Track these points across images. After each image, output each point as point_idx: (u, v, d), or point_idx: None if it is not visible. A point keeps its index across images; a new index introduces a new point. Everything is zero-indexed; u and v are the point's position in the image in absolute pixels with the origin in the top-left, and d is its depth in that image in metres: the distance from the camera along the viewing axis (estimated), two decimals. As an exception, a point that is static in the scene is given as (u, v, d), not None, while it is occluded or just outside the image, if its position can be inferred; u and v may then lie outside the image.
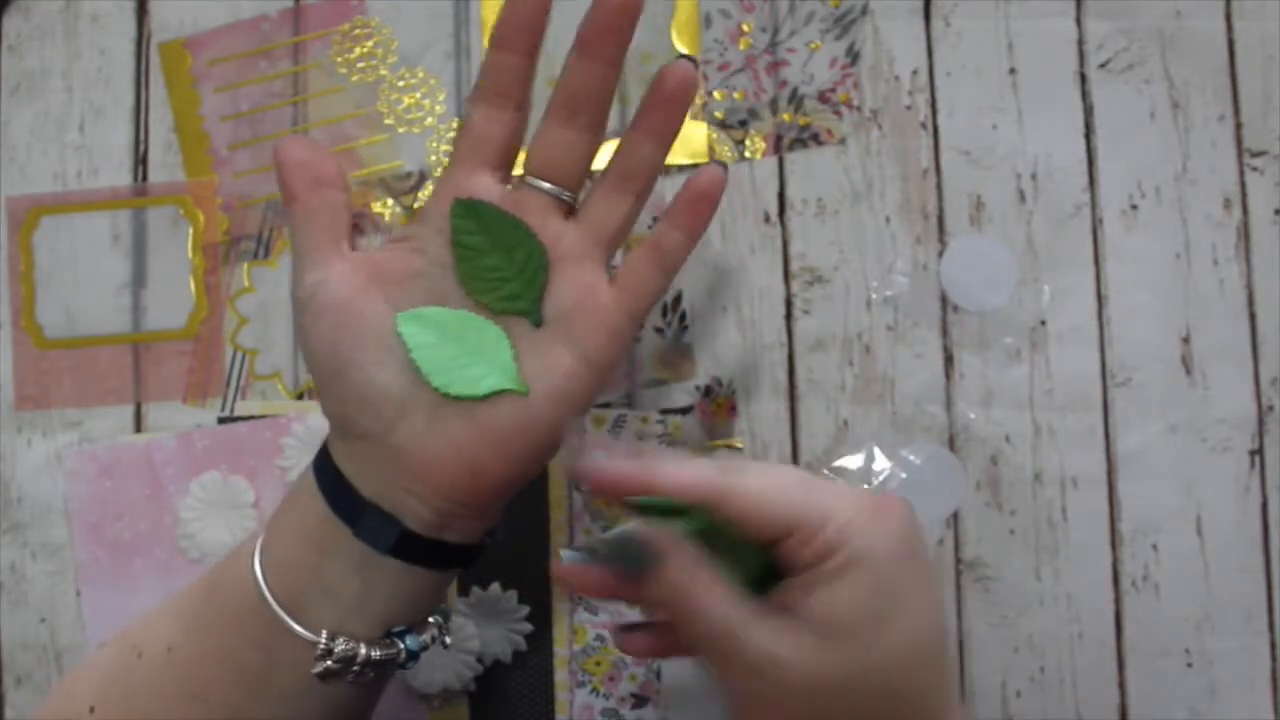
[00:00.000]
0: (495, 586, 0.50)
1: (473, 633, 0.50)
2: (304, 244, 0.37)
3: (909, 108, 0.52)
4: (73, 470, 0.52)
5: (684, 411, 0.51)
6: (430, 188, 0.52)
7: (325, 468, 0.37)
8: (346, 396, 0.36)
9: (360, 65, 0.53)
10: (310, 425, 0.51)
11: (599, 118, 0.37)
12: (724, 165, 0.39)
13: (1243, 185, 0.52)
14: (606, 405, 0.51)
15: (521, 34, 0.35)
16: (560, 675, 0.51)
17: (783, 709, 0.32)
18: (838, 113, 0.52)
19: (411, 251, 0.37)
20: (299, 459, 0.51)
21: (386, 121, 0.53)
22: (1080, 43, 0.52)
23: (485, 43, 0.53)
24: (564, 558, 0.43)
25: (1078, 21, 0.52)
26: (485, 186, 0.36)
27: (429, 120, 0.53)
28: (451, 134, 0.52)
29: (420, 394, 0.35)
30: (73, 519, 0.51)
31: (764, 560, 0.33)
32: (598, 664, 0.51)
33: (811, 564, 0.32)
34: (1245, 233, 0.51)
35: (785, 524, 0.32)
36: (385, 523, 0.36)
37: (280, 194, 0.38)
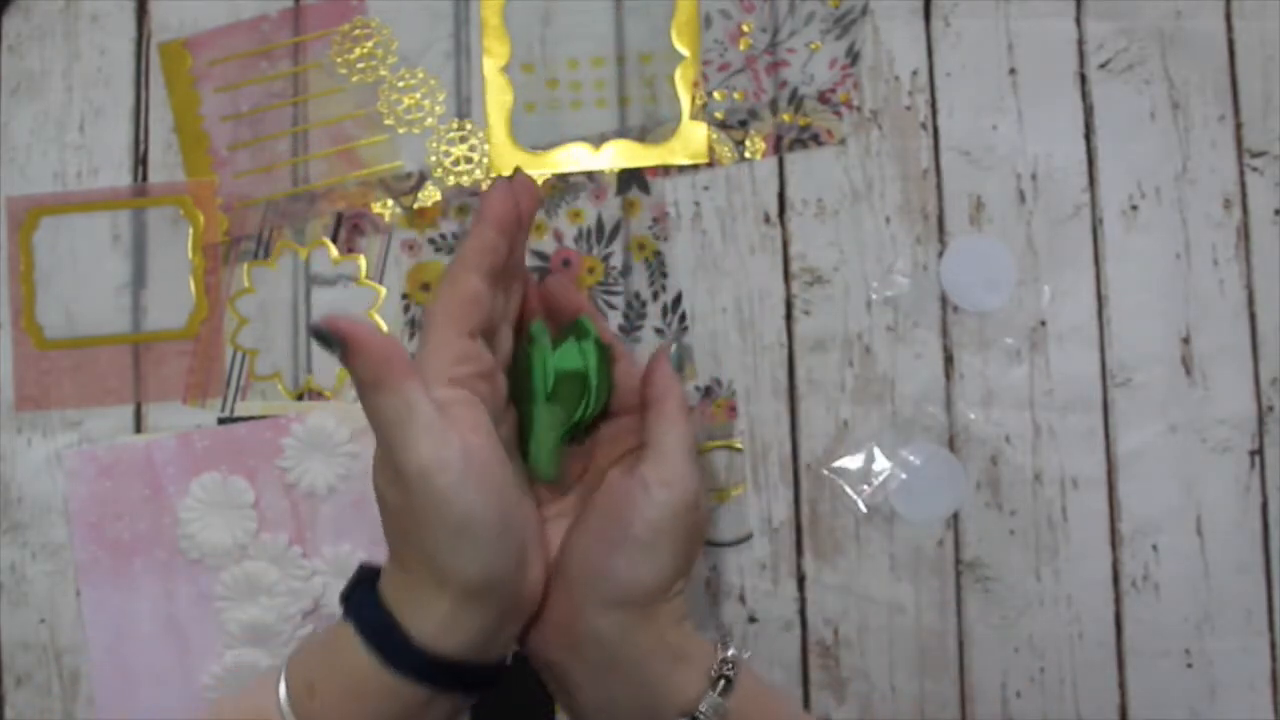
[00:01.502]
0: (495, 587, 0.50)
1: (473, 633, 0.50)
2: (423, 422, 0.35)
3: (909, 108, 0.52)
4: (73, 470, 0.52)
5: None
6: (428, 189, 0.52)
7: (398, 649, 0.36)
8: (504, 549, 0.36)
9: (360, 65, 0.53)
10: (310, 425, 0.51)
11: (522, 275, 0.42)
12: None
13: (1243, 185, 0.52)
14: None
15: (515, 224, 0.39)
16: (560, 675, 0.51)
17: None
18: (838, 113, 0.52)
19: (473, 400, 0.38)
20: (299, 459, 0.51)
21: (386, 122, 0.53)
22: (1080, 43, 0.52)
23: (485, 43, 0.53)
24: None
25: (1078, 21, 0.52)
26: (477, 351, 0.39)
27: (429, 120, 0.53)
28: (450, 135, 0.52)
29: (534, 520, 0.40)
30: (73, 519, 0.51)
31: (596, 418, 0.42)
32: (598, 664, 0.51)
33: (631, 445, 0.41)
34: (1245, 233, 0.51)
35: (647, 399, 0.41)
36: (489, 672, 0.38)
37: (366, 383, 0.36)
